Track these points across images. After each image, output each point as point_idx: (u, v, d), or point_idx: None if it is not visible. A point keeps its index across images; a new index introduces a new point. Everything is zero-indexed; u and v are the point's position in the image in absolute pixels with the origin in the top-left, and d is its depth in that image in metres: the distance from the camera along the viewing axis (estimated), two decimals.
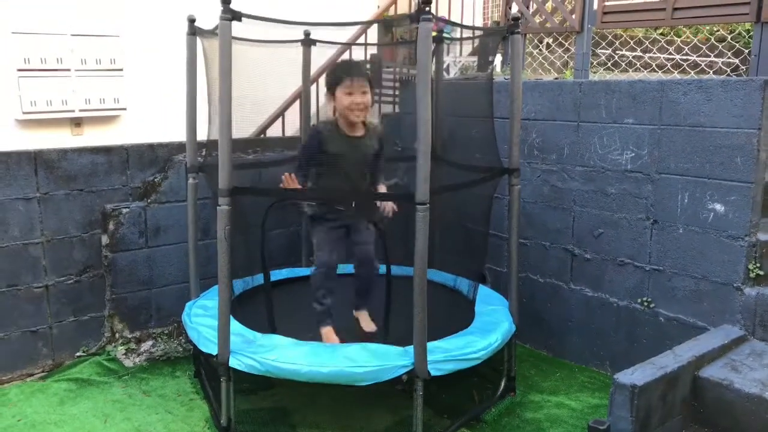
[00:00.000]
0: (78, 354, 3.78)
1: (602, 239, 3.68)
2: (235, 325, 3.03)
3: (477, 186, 3.11)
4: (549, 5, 5.07)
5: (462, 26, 3.41)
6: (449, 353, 2.87)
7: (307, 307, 3.30)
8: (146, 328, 3.89)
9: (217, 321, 3.11)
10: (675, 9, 4.31)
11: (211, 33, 3.23)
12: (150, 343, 3.85)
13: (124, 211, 3.71)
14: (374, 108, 3.76)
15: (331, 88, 3.02)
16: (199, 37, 3.34)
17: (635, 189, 3.49)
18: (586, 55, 5.06)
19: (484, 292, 3.62)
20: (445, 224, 3.02)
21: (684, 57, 5.98)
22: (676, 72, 5.96)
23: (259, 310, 3.22)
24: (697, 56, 5.89)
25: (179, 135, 4.06)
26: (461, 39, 4.37)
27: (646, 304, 3.50)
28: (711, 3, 4.22)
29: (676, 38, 6.40)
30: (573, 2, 4.91)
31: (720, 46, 5.61)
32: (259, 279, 3.61)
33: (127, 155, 3.80)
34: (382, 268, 3.18)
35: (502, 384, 3.47)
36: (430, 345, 2.81)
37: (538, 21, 5.24)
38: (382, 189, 3.19)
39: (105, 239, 3.72)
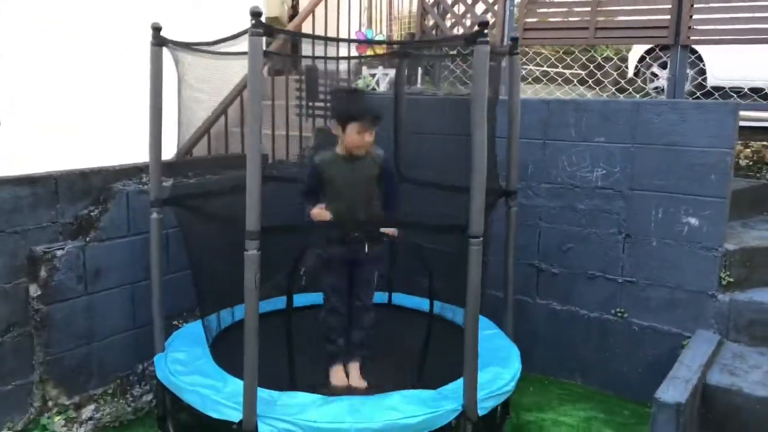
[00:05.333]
0: None
1: (570, 254, 3.77)
2: (237, 383, 2.63)
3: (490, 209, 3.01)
4: (469, 20, 5.11)
5: (435, 42, 3.26)
6: (485, 390, 2.74)
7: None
8: (85, 391, 3.24)
9: (209, 378, 2.75)
10: (597, 29, 4.56)
11: (186, 46, 2.79)
12: (92, 407, 3.23)
13: (59, 253, 3.06)
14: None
15: (342, 121, 2.84)
16: (168, 48, 2.85)
17: (606, 205, 3.62)
18: (504, 69, 5.18)
19: None
20: (443, 252, 2.89)
21: (537, 67, 6.37)
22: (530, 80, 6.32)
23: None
24: (547, 66, 6.30)
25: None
26: (446, 55, 4.22)
27: (619, 314, 3.64)
28: (633, 25, 4.52)
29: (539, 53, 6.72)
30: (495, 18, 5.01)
31: (568, 59, 6.05)
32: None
33: (55, 186, 3.14)
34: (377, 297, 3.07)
35: (498, 409, 3.40)
36: (459, 383, 2.66)
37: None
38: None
39: (34, 289, 3.04)
